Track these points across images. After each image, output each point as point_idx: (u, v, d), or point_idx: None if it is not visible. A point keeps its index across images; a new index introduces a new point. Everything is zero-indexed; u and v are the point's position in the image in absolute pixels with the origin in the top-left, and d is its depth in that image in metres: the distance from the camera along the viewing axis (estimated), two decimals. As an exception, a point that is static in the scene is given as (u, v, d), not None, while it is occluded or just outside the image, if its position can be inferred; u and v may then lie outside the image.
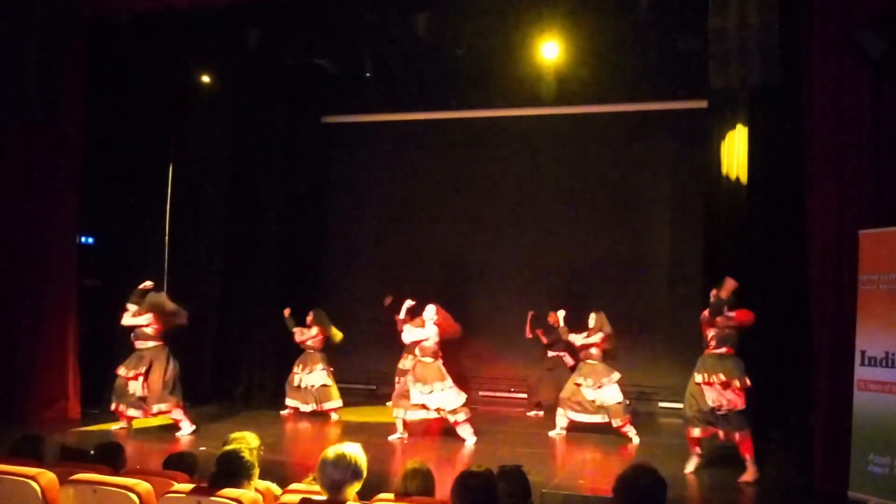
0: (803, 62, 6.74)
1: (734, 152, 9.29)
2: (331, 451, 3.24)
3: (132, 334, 8.33)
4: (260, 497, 3.57)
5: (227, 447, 3.78)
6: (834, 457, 6.16)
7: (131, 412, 8.23)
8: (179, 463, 4.42)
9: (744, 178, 9.13)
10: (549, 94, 10.16)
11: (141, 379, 8.13)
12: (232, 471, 3.63)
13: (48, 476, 3.88)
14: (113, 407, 8.31)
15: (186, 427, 8.21)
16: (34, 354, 8.63)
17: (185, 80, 9.76)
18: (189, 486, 3.69)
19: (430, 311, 8.35)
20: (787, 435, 7.88)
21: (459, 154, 11.72)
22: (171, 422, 8.32)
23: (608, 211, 11.12)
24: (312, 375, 9.40)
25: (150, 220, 9.57)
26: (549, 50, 9.13)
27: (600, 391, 8.42)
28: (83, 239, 9.52)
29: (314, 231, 12.08)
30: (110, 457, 4.46)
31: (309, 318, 9.60)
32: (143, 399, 8.17)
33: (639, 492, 2.96)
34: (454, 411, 8.09)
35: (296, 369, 9.52)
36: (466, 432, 8.16)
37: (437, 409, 8.07)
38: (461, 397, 8.18)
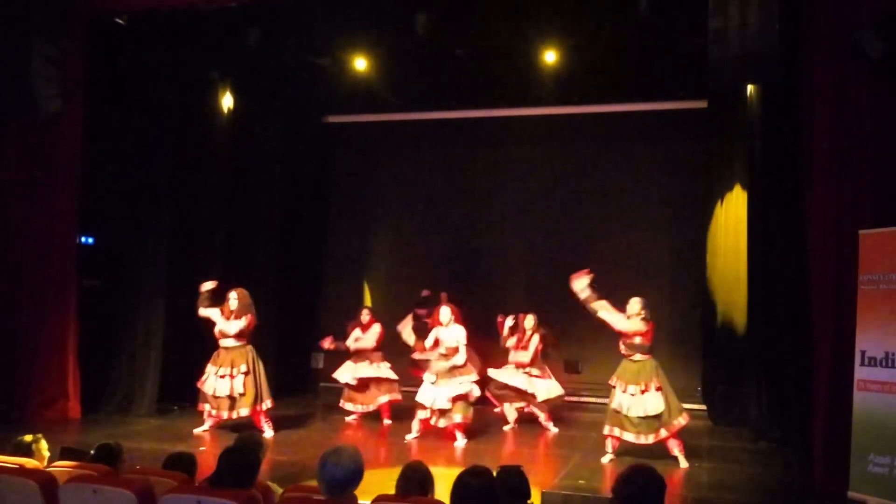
0: (803, 62, 6.74)
1: (734, 152, 9.30)
2: (330, 451, 3.25)
3: (218, 332, 8.20)
4: (260, 497, 3.57)
5: (231, 446, 3.80)
6: (834, 457, 6.15)
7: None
8: (179, 463, 4.42)
9: (743, 177, 9.13)
10: (549, 94, 10.16)
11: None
12: (234, 470, 3.63)
13: (48, 476, 3.89)
14: None
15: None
16: (34, 354, 8.60)
17: (186, 79, 9.74)
18: (189, 486, 3.69)
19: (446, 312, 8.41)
20: (787, 435, 7.88)
21: (460, 154, 11.72)
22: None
23: (608, 211, 11.12)
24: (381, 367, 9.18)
25: (150, 220, 9.53)
26: (550, 50, 9.13)
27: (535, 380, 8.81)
28: (83, 239, 9.51)
29: (316, 230, 12.08)
30: (110, 457, 4.47)
31: (367, 318, 9.30)
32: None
33: (638, 491, 2.96)
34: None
35: (352, 370, 9.15)
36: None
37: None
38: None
